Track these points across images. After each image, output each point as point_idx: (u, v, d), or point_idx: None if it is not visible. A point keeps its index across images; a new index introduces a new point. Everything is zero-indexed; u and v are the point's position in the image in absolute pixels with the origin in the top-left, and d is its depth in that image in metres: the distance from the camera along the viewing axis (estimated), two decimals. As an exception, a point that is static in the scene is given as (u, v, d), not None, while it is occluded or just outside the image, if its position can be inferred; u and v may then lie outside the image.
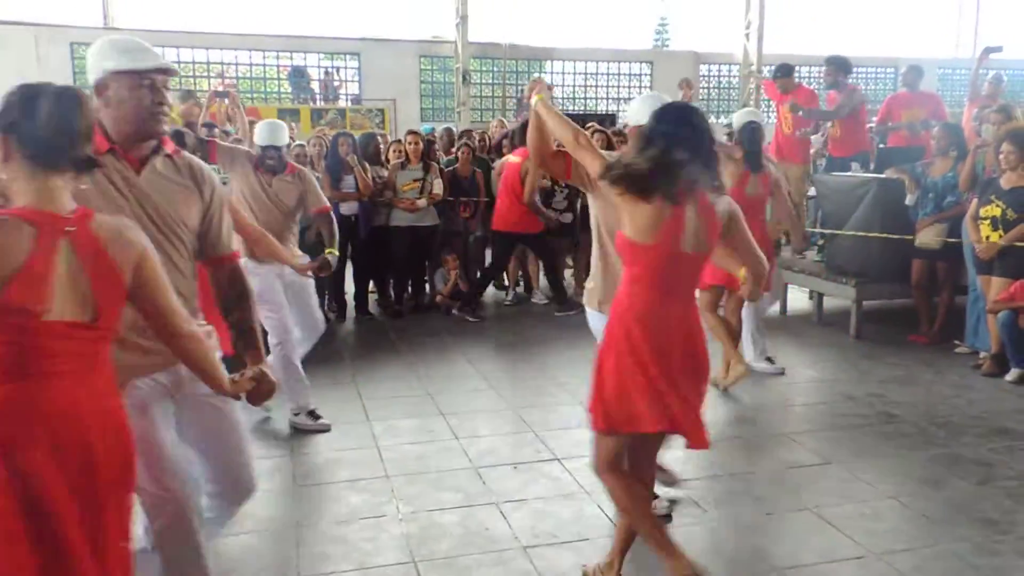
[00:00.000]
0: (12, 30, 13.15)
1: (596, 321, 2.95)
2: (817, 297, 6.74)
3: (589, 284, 3.09)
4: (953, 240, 5.59)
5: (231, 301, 2.29)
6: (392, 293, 7.21)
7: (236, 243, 2.45)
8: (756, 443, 4.11)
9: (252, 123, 6.08)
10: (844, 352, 5.80)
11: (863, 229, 6.13)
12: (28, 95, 1.69)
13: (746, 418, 4.47)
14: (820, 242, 6.92)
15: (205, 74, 14.91)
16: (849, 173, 6.74)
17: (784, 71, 7.64)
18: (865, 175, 6.42)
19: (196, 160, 2.27)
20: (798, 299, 7.36)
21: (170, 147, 2.19)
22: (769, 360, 5.25)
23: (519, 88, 16.85)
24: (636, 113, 2.96)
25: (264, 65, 15.60)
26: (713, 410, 4.65)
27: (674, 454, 3.48)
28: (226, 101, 7.86)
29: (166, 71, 2.12)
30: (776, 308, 7.14)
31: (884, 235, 5.83)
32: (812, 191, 7.44)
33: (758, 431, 4.27)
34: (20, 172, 1.67)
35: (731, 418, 4.51)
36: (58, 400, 1.66)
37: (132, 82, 2.04)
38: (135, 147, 2.10)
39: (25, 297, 1.61)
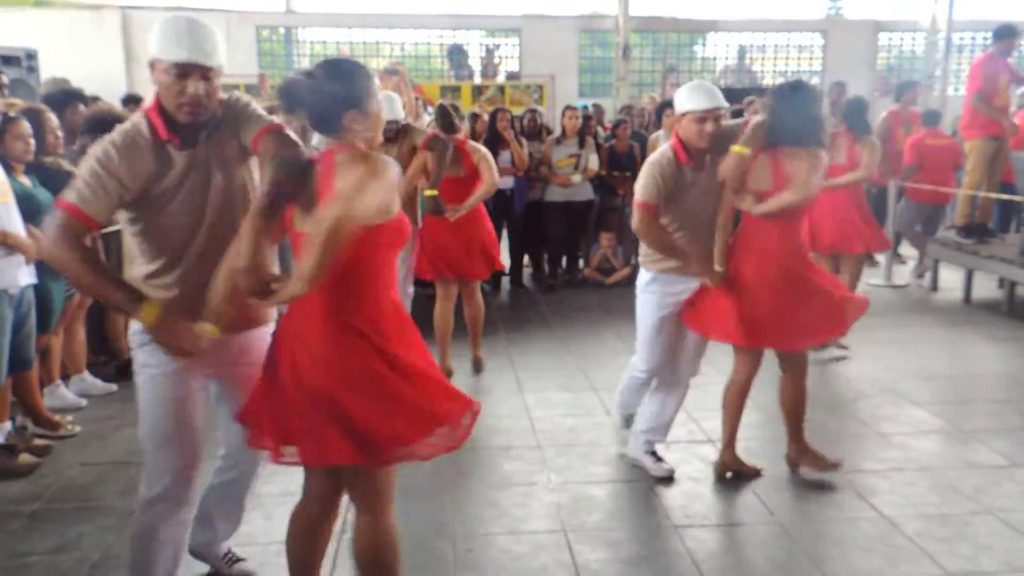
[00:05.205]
0: (205, 16, 14.19)
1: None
2: (1008, 286, 6.12)
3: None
4: None
5: None
6: (547, 267, 7.28)
7: None
8: (934, 440, 3.82)
9: (418, 100, 6.29)
10: (1039, 347, 5.25)
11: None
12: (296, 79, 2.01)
13: (924, 413, 4.16)
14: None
15: (375, 54, 15.58)
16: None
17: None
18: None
19: None
20: (986, 287, 6.72)
21: None
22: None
23: (679, 62, 16.38)
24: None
25: (428, 43, 16.05)
26: (893, 403, 4.37)
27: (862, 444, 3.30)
28: (394, 79, 8.21)
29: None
30: (960, 294, 6.61)
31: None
32: None
33: (936, 427, 3.96)
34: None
35: (910, 412, 4.21)
36: None
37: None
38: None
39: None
